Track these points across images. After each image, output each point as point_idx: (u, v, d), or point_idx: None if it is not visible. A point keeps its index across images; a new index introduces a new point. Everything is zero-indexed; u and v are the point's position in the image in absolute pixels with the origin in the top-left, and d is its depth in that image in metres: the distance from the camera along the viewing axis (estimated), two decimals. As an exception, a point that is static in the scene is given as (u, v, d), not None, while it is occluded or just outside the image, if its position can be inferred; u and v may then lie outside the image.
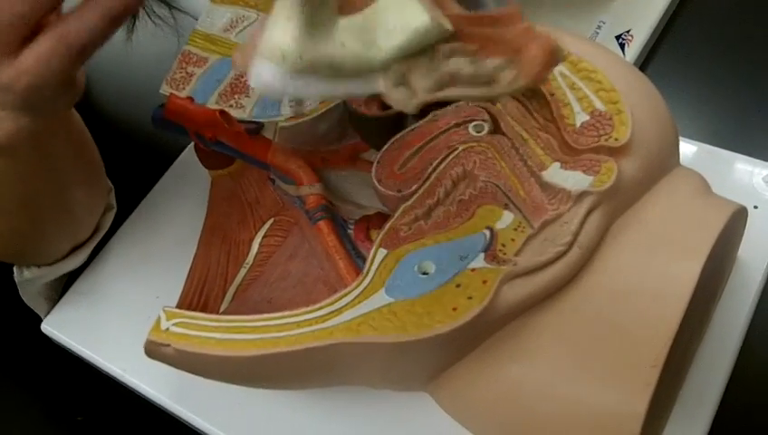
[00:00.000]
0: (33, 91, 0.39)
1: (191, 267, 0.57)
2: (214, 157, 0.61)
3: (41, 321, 0.62)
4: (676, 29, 0.70)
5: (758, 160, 0.57)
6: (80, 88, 0.44)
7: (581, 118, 0.46)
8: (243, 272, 0.57)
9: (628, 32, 0.67)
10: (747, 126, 0.63)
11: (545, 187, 0.44)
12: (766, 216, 0.55)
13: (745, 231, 0.51)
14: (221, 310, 0.54)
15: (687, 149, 0.58)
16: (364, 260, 0.46)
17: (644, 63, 0.68)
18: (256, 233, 0.59)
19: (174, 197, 0.66)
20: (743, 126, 0.63)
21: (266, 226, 0.59)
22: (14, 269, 0.60)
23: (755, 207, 0.55)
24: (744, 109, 0.64)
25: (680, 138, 0.54)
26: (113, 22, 0.38)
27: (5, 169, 0.48)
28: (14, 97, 0.40)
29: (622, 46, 0.67)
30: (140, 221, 0.65)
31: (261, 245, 0.58)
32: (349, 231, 0.53)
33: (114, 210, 0.62)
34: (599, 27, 0.68)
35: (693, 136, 0.60)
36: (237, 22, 0.58)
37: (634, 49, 0.66)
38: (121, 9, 0.38)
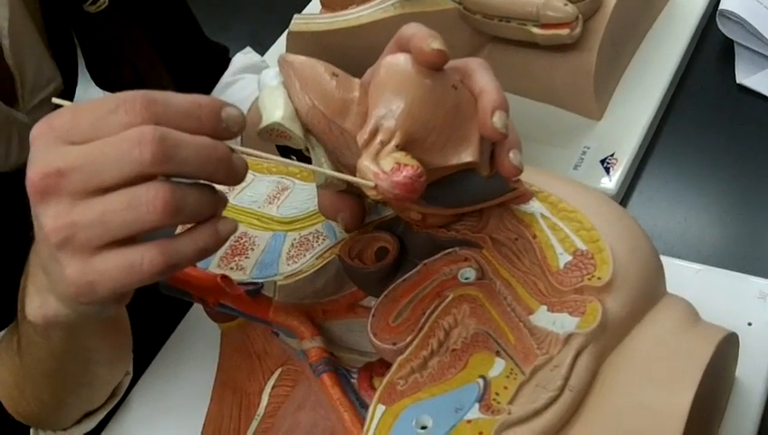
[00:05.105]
0: (90, 294, 0.40)
1: (204, 424, 0.58)
2: (221, 311, 0.63)
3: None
4: (661, 147, 0.72)
5: (750, 276, 0.58)
6: (127, 299, 0.45)
7: (564, 259, 0.48)
8: (254, 424, 0.59)
9: (612, 155, 0.70)
10: (738, 241, 0.64)
11: (534, 331, 0.46)
12: (762, 332, 0.55)
13: (742, 349, 0.51)
14: (234, 467, 0.56)
15: (678, 268, 0.59)
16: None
17: (630, 185, 0.70)
18: (266, 383, 0.60)
19: (186, 351, 0.68)
20: (734, 242, 0.64)
21: (275, 376, 0.60)
22: (31, 431, 0.62)
23: (749, 323, 0.56)
24: (733, 224, 0.65)
25: (671, 257, 0.56)
26: (202, 253, 0.41)
27: (38, 345, 0.50)
28: (68, 291, 0.40)
29: (607, 170, 0.69)
30: (155, 378, 0.67)
31: (270, 395, 0.59)
32: (352, 380, 0.54)
33: (130, 376, 0.63)
34: (583, 153, 0.71)
35: (683, 255, 0.61)
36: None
37: (619, 172, 0.69)
38: (212, 247, 0.41)
